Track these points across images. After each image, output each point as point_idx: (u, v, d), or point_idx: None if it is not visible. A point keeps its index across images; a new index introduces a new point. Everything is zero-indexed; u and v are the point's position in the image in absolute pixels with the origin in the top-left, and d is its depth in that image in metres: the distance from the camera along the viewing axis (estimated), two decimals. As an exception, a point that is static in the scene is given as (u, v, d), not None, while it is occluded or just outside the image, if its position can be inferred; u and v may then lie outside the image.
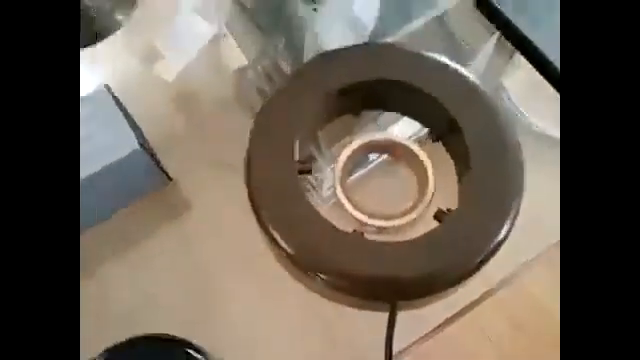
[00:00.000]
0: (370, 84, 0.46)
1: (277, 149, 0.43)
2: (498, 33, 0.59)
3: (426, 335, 0.47)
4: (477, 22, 0.61)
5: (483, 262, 0.39)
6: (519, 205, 0.41)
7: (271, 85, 0.57)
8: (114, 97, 0.47)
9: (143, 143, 0.46)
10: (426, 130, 0.49)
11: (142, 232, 0.51)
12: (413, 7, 0.62)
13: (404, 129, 0.55)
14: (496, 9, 0.56)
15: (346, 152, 0.46)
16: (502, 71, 0.64)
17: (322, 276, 0.39)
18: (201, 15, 0.58)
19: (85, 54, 0.56)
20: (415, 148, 0.45)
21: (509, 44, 0.59)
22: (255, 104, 0.57)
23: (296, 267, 0.40)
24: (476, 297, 0.46)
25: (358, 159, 0.49)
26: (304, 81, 0.47)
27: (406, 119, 0.50)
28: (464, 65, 0.48)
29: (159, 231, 0.51)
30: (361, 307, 0.42)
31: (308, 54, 0.55)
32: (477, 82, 0.45)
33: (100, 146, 0.44)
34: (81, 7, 0.56)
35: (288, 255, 0.40)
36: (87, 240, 0.47)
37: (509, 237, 0.40)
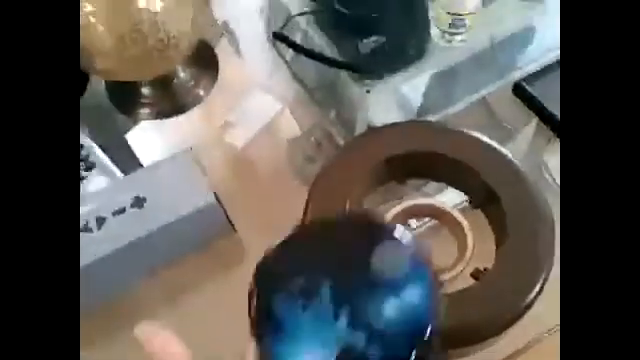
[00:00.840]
0: (414, 155, 0.52)
1: (330, 213, 0.48)
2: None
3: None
4: (517, 105, 0.67)
5: (516, 318, 0.43)
6: (551, 266, 0.45)
7: (320, 153, 0.64)
8: (196, 159, 0.55)
9: (217, 197, 0.54)
10: (466, 199, 0.54)
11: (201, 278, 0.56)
12: (457, 91, 0.69)
13: (448, 198, 0.60)
14: (532, 97, 0.62)
15: (391, 214, 0.51)
16: (543, 150, 0.68)
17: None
18: (269, 93, 0.67)
19: (170, 122, 0.65)
20: (455, 213, 0.50)
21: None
22: (304, 170, 0.64)
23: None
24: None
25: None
26: (354, 152, 0.53)
27: (450, 189, 0.55)
28: (505, 143, 0.53)
29: (218, 277, 0.57)
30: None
31: (359, 128, 0.62)
32: (512, 157, 0.51)
33: (181, 198, 0.52)
34: (169, 84, 0.66)
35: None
36: (147, 284, 0.53)
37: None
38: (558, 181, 0.64)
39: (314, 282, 0.28)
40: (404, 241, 0.29)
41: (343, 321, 0.27)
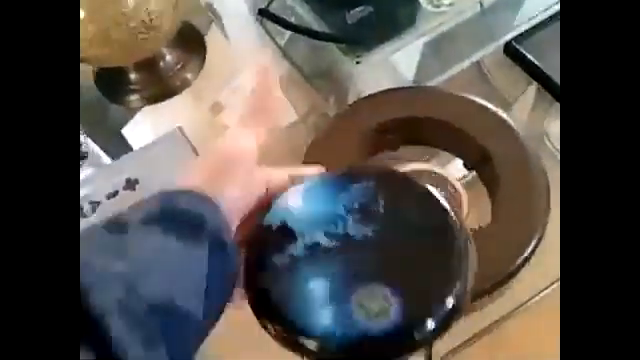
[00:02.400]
0: (405, 121, 0.51)
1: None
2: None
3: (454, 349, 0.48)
4: (514, 70, 0.66)
5: (511, 275, 0.42)
6: (545, 223, 0.44)
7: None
8: (186, 137, 0.55)
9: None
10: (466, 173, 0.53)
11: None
12: (449, 57, 0.68)
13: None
14: (524, 56, 0.61)
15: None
16: (543, 117, 0.66)
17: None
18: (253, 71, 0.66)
19: (158, 107, 0.65)
20: (443, 172, 0.50)
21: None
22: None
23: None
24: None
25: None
26: (344, 120, 0.52)
27: (450, 164, 0.54)
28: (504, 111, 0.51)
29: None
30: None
31: (351, 100, 0.62)
32: (502, 113, 0.50)
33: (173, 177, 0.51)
34: (156, 68, 0.66)
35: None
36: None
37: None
38: (558, 146, 0.63)
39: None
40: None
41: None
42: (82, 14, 0.55)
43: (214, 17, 0.71)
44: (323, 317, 0.24)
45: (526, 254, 0.43)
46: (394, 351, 0.25)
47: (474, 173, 0.54)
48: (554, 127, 0.67)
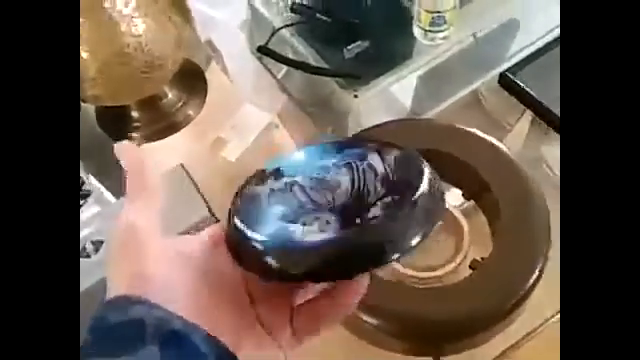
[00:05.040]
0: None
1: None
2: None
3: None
4: (509, 100, 0.67)
5: (516, 306, 0.42)
6: (548, 251, 0.44)
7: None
8: (188, 174, 0.55)
9: (211, 211, 0.54)
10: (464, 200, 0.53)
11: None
12: (445, 89, 0.70)
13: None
14: (518, 86, 0.62)
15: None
16: (540, 143, 0.67)
17: (370, 320, 0.43)
18: (257, 106, 0.67)
19: (162, 143, 0.65)
20: (451, 209, 0.50)
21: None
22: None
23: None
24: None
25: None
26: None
27: (448, 192, 0.54)
28: (500, 138, 0.52)
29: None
30: (407, 352, 0.45)
31: (351, 133, 0.63)
32: (500, 145, 0.50)
33: (175, 215, 0.52)
34: (158, 106, 0.67)
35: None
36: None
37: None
38: (557, 172, 0.63)
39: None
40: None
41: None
42: (84, 54, 0.56)
43: (213, 54, 0.73)
44: (268, 228, 0.27)
45: (530, 283, 0.43)
46: (325, 274, 0.26)
47: (472, 202, 0.54)
48: (551, 153, 0.68)
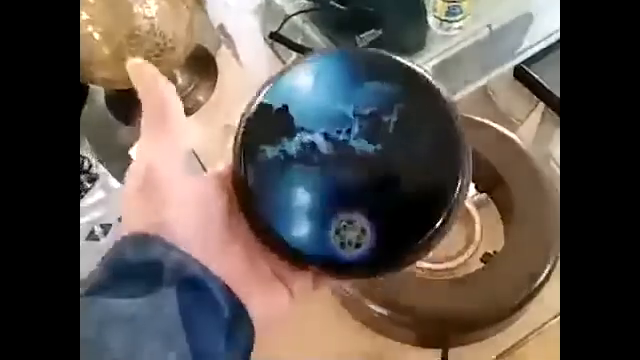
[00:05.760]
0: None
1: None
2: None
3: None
4: (520, 94, 0.66)
5: (526, 300, 0.42)
6: (558, 248, 0.43)
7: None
8: (198, 160, 0.55)
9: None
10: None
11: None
12: (458, 80, 0.69)
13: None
14: (534, 79, 0.61)
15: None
16: (549, 139, 0.66)
17: (380, 311, 0.43)
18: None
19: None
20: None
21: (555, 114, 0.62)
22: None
23: (355, 303, 0.44)
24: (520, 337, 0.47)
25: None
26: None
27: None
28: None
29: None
30: (415, 343, 0.44)
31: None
32: (517, 139, 0.50)
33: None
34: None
35: (347, 292, 0.44)
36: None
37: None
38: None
39: None
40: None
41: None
42: (96, 35, 0.55)
43: (225, 38, 0.72)
44: (300, 231, 0.25)
45: (541, 279, 0.42)
46: (357, 276, 0.27)
47: (483, 194, 0.54)
48: (559, 149, 0.67)
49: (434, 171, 0.25)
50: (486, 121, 0.52)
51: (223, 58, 0.70)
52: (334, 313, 0.47)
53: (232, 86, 0.69)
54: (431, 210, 0.25)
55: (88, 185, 0.60)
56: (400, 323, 0.42)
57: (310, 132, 0.26)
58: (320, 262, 0.25)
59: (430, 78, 0.26)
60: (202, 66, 0.68)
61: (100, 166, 0.62)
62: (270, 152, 0.26)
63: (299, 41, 0.67)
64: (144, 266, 0.23)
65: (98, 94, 0.68)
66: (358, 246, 0.25)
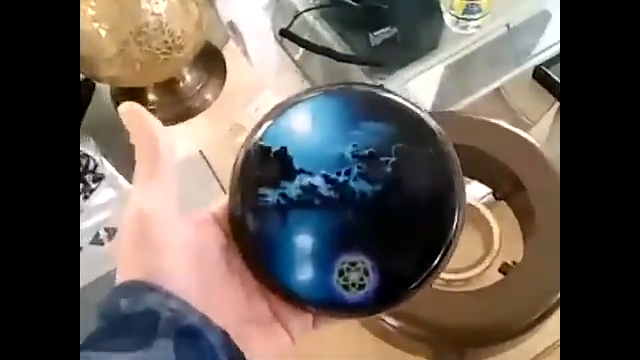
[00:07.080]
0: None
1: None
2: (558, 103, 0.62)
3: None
4: (535, 94, 0.64)
5: (545, 316, 0.40)
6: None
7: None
8: (206, 161, 0.53)
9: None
10: (489, 192, 0.51)
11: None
12: (473, 80, 0.67)
13: (469, 192, 0.58)
14: (553, 81, 0.59)
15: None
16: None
17: (392, 323, 0.41)
18: (277, 91, 0.65)
19: (180, 127, 0.63)
20: (479, 206, 0.48)
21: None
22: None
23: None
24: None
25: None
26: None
27: (470, 183, 0.53)
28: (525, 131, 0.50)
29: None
30: (429, 357, 0.43)
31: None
32: (537, 144, 0.48)
33: (192, 202, 0.50)
34: (176, 89, 0.65)
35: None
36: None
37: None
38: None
39: None
40: None
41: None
42: (103, 32, 0.54)
43: (234, 35, 0.70)
44: (304, 276, 0.25)
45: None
46: (359, 316, 0.28)
47: (491, 196, 0.52)
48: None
49: (432, 209, 0.25)
50: (500, 122, 0.50)
51: (231, 55, 0.69)
52: (351, 326, 0.45)
53: (240, 84, 0.67)
54: (431, 246, 0.25)
55: (93, 185, 0.58)
56: (412, 336, 0.41)
57: (310, 174, 0.26)
58: (324, 306, 0.25)
59: (425, 116, 0.27)
60: (211, 64, 0.67)
61: (106, 166, 0.60)
62: (270, 196, 0.26)
63: (309, 38, 0.65)
64: (139, 317, 0.23)
65: (104, 91, 0.67)
66: (361, 287, 0.25)
